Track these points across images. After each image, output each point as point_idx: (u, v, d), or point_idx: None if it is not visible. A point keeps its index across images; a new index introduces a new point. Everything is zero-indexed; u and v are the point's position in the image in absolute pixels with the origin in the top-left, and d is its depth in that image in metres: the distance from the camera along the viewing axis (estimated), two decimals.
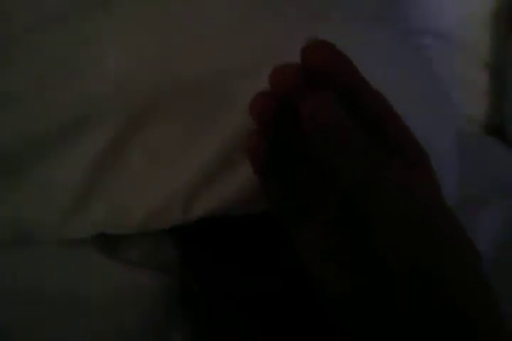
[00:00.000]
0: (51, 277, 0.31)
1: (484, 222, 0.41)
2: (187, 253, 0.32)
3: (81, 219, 0.31)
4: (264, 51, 0.31)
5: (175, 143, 0.31)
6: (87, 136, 0.31)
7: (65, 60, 0.32)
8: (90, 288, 0.31)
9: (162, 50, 0.31)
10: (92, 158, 0.31)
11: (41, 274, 0.31)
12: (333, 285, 0.26)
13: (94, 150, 0.31)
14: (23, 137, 0.31)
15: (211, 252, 0.32)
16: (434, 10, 0.57)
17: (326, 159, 0.24)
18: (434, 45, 0.56)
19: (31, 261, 0.31)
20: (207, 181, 0.31)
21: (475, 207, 0.41)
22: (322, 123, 0.23)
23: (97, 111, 0.31)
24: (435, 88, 0.40)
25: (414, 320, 0.23)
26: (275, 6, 0.33)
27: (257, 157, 0.28)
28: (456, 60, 0.58)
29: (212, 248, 0.32)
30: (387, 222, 0.23)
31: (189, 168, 0.31)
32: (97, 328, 0.30)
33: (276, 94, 0.26)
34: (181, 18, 0.32)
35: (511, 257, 0.38)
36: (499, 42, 0.59)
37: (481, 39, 0.59)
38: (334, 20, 0.35)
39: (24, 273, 0.31)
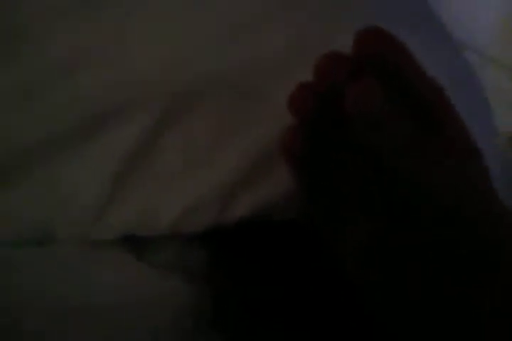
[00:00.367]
0: (74, 278, 0.30)
1: None
2: (217, 257, 0.31)
3: (108, 219, 0.30)
4: (295, 43, 0.31)
5: (210, 141, 0.30)
6: (116, 131, 0.30)
7: (93, 47, 0.31)
8: (120, 293, 0.29)
9: (195, 44, 0.31)
10: (121, 155, 0.30)
11: (64, 275, 0.30)
12: (372, 290, 0.25)
13: (124, 147, 0.30)
14: (46, 132, 0.30)
15: (241, 257, 0.31)
16: (468, 23, 0.56)
17: (370, 147, 0.23)
18: (469, 58, 0.55)
19: (55, 261, 0.30)
20: (244, 182, 0.30)
21: None
22: (366, 108, 0.23)
23: (128, 103, 0.30)
24: (481, 99, 0.39)
25: None
26: (296, 7, 0.33)
27: (293, 151, 0.27)
28: (489, 73, 0.58)
29: (242, 253, 0.31)
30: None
31: (225, 167, 0.30)
32: (126, 334, 0.28)
33: (322, 83, 0.25)
34: (214, 11, 0.31)
35: None
36: None
37: None
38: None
39: (48, 275, 0.30)
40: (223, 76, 0.30)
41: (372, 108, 0.23)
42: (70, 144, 0.30)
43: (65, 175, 0.30)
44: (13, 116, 0.31)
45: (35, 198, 0.30)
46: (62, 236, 0.30)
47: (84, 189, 0.30)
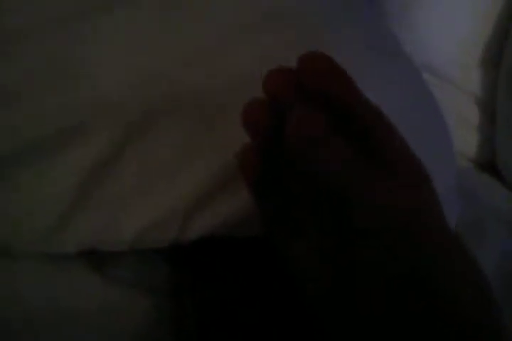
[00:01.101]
0: (32, 292, 0.30)
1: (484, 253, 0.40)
2: (180, 274, 0.31)
3: (67, 233, 0.29)
4: (260, 64, 0.31)
5: (172, 157, 0.30)
6: (80, 145, 0.30)
7: (61, 63, 0.31)
8: (75, 307, 0.29)
9: (160, 60, 0.31)
10: (84, 169, 0.29)
11: (22, 288, 0.30)
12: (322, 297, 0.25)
13: (86, 161, 0.29)
14: (10, 142, 0.30)
15: (205, 273, 0.31)
16: (428, 46, 0.58)
17: (308, 172, 0.24)
18: (430, 80, 0.57)
19: (11, 273, 0.30)
20: (205, 199, 0.30)
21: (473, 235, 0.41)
22: (303, 136, 0.23)
23: (92, 119, 0.30)
24: (439, 122, 0.40)
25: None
26: (274, 24, 0.33)
27: (250, 171, 0.27)
28: (450, 96, 0.59)
29: (206, 269, 0.31)
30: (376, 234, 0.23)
31: (186, 183, 0.30)
32: None
33: (270, 100, 0.25)
34: (181, 28, 0.32)
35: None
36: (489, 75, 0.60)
37: (474, 75, 0.60)
38: (331, 43, 0.35)
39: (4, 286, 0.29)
40: (189, 95, 0.30)
41: (312, 134, 0.23)
42: (31, 157, 0.30)
43: (25, 189, 0.30)
44: None
45: None
46: (19, 249, 0.30)
47: (44, 203, 0.30)
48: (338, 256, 0.24)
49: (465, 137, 0.61)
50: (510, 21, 0.58)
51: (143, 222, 0.30)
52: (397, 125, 0.26)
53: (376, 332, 0.23)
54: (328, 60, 0.24)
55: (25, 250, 0.30)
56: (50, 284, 0.30)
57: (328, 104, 0.24)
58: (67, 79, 0.30)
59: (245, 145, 0.27)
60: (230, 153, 0.29)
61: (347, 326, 0.24)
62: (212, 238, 0.30)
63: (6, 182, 0.30)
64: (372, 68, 0.36)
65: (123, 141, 0.30)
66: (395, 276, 0.22)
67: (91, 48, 0.31)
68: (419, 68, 0.51)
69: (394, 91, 0.36)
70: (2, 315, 0.29)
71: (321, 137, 0.23)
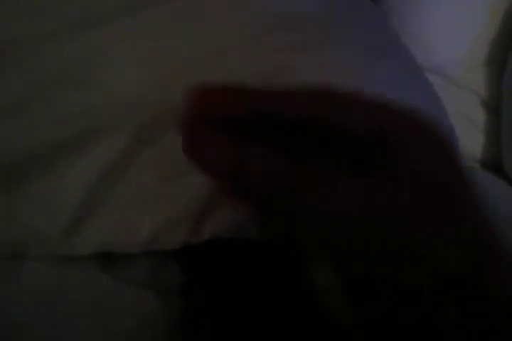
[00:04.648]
0: (39, 291, 0.30)
1: None
2: (193, 275, 0.31)
3: (81, 235, 0.30)
4: (278, 64, 0.31)
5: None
6: (93, 148, 0.30)
7: (77, 65, 0.31)
8: (85, 307, 0.30)
9: (181, 60, 0.31)
10: (97, 172, 0.30)
11: (36, 289, 0.30)
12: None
13: (100, 164, 0.30)
14: (24, 148, 0.30)
15: (216, 274, 0.31)
16: (434, 48, 0.59)
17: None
18: (435, 82, 0.57)
19: (27, 276, 0.30)
20: (218, 200, 0.30)
21: None
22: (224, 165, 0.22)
23: (108, 120, 0.30)
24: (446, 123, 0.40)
25: None
26: (285, 26, 0.34)
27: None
28: (456, 98, 0.60)
29: (217, 270, 0.31)
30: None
31: (199, 185, 0.30)
32: None
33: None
34: (202, 29, 0.32)
35: None
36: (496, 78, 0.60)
37: (479, 75, 0.60)
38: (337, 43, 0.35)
39: (19, 288, 0.29)
40: None
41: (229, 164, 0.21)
42: (45, 161, 0.30)
43: (39, 192, 0.30)
44: None
45: (9, 216, 0.30)
46: (34, 252, 0.30)
47: (58, 205, 0.30)
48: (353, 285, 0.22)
49: (470, 137, 0.61)
50: None
51: (156, 223, 0.30)
52: None
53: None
54: (216, 92, 0.23)
55: (38, 252, 0.30)
56: (59, 284, 0.30)
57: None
58: (84, 80, 0.30)
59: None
60: None
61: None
62: (222, 240, 0.30)
63: (20, 185, 0.30)
64: (374, 69, 0.36)
65: (138, 143, 0.30)
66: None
67: (110, 49, 0.31)
68: (423, 68, 0.52)
69: (398, 92, 0.36)
70: (7, 314, 0.29)
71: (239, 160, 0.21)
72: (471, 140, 0.61)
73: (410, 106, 0.21)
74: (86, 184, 0.30)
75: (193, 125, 0.23)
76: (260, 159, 0.21)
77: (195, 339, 0.29)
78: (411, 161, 0.20)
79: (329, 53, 0.35)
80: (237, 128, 0.22)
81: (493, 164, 0.60)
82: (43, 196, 0.30)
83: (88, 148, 0.30)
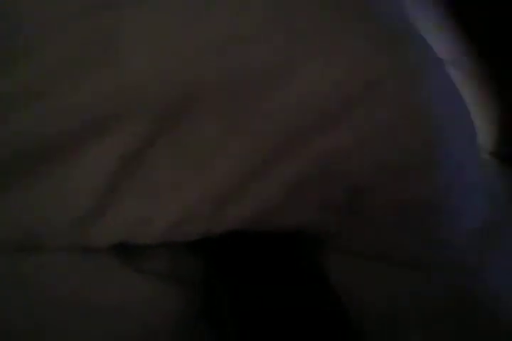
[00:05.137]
0: (63, 284, 0.30)
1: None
2: (212, 266, 0.31)
3: (98, 226, 0.30)
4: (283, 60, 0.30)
5: (205, 148, 0.30)
6: (113, 134, 0.29)
7: (94, 52, 0.30)
8: (105, 299, 0.30)
9: (195, 47, 0.30)
10: (115, 161, 0.29)
11: (52, 280, 0.30)
12: None
13: (118, 153, 0.29)
14: (40, 136, 0.29)
15: (237, 265, 0.31)
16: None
17: None
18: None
19: (42, 266, 0.30)
20: (237, 190, 0.30)
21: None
22: None
23: (125, 108, 0.29)
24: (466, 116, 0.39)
25: None
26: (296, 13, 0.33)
27: None
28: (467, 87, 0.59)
29: (237, 260, 0.31)
30: None
31: (218, 175, 0.30)
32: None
33: None
34: (216, 15, 0.31)
35: None
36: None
37: None
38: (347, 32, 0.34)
39: (35, 279, 0.30)
40: (223, 82, 0.30)
41: None
42: (62, 151, 0.30)
43: (58, 183, 0.30)
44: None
45: (25, 205, 0.30)
46: (52, 243, 0.30)
47: (77, 197, 0.30)
48: None
49: (485, 129, 0.60)
50: None
51: (175, 214, 0.30)
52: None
53: None
54: None
55: (56, 243, 0.30)
56: (80, 276, 0.30)
57: None
58: (101, 67, 0.30)
59: None
60: (255, 146, 0.30)
61: None
62: (241, 231, 0.31)
63: (37, 174, 0.30)
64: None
65: (156, 130, 0.29)
66: None
67: (124, 36, 0.30)
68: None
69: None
70: (28, 305, 0.29)
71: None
72: (485, 132, 0.60)
73: None
74: (103, 173, 0.29)
75: None
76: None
77: (215, 330, 0.30)
78: None
79: None
80: None
81: (508, 156, 0.60)
82: (59, 186, 0.30)
83: (106, 136, 0.29)
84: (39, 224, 0.30)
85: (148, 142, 0.30)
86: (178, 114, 0.30)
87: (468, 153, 0.37)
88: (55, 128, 0.30)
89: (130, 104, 0.30)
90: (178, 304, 0.30)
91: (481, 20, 0.51)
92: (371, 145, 0.31)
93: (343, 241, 0.33)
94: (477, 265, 0.34)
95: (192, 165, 0.30)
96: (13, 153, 0.30)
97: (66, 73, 0.30)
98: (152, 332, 0.29)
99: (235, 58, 0.30)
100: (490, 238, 0.38)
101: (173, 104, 0.30)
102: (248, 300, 0.30)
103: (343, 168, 0.31)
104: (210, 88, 0.30)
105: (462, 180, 0.34)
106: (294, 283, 0.30)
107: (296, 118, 0.30)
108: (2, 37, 0.31)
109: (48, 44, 0.30)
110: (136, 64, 0.30)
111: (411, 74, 0.33)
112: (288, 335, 0.28)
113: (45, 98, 0.30)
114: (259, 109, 0.30)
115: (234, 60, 0.30)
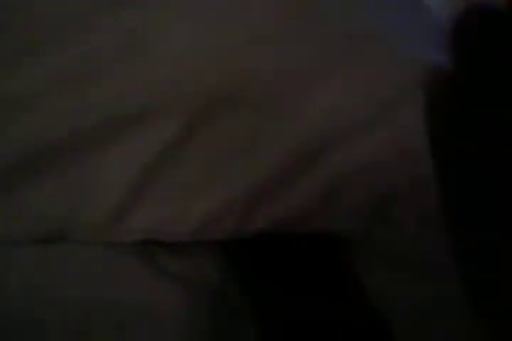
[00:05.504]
0: (79, 279, 0.28)
1: None
2: (235, 268, 0.30)
3: (127, 222, 0.29)
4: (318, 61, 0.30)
5: (238, 145, 0.29)
6: (141, 135, 0.29)
7: (128, 42, 0.30)
8: (123, 298, 0.28)
9: (228, 46, 0.30)
10: (147, 157, 0.29)
11: (69, 274, 0.28)
12: None
13: (151, 149, 0.29)
14: (68, 132, 0.29)
15: (260, 268, 0.31)
16: None
17: None
18: None
19: (63, 259, 0.29)
20: (263, 194, 0.29)
21: None
22: None
23: (161, 102, 0.29)
24: None
25: None
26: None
27: None
28: None
29: (261, 263, 0.31)
30: None
31: (252, 174, 0.29)
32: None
33: None
34: (242, 22, 0.31)
35: None
36: None
37: None
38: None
39: (53, 271, 0.28)
40: (256, 81, 0.30)
41: None
42: (92, 146, 0.29)
43: (87, 177, 0.29)
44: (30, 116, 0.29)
45: (52, 198, 0.29)
46: (76, 236, 0.29)
47: (105, 191, 0.29)
48: None
49: None
50: None
51: (206, 211, 0.29)
52: None
53: None
54: None
55: (83, 237, 0.29)
56: (100, 274, 0.29)
57: None
58: (138, 58, 0.29)
59: None
60: (286, 148, 0.29)
61: None
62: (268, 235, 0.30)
63: (67, 171, 0.29)
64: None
65: (191, 126, 0.29)
66: None
67: (159, 32, 0.30)
68: None
69: None
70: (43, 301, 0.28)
71: None
72: None
73: None
74: (134, 168, 0.29)
75: None
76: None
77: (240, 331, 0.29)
78: None
79: None
80: None
81: None
82: (91, 181, 0.29)
83: (136, 133, 0.29)
84: (66, 213, 0.29)
85: (179, 140, 0.29)
86: (211, 112, 0.29)
87: None
88: (88, 121, 0.29)
89: (168, 97, 0.29)
90: (196, 305, 0.29)
91: None
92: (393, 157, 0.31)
93: (370, 250, 0.33)
94: None
95: (225, 163, 0.30)
96: (43, 146, 0.29)
97: (105, 62, 0.30)
98: (168, 332, 0.28)
99: (268, 57, 0.30)
100: None
101: (207, 102, 0.29)
102: (272, 307, 0.29)
103: (368, 179, 0.31)
104: (243, 87, 0.30)
105: None
106: (321, 292, 0.30)
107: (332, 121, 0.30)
108: (21, 37, 0.30)
109: (89, 31, 0.30)
110: (174, 58, 0.30)
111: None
112: None
113: (78, 91, 0.29)
114: (293, 109, 0.30)
115: (266, 60, 0.30)
